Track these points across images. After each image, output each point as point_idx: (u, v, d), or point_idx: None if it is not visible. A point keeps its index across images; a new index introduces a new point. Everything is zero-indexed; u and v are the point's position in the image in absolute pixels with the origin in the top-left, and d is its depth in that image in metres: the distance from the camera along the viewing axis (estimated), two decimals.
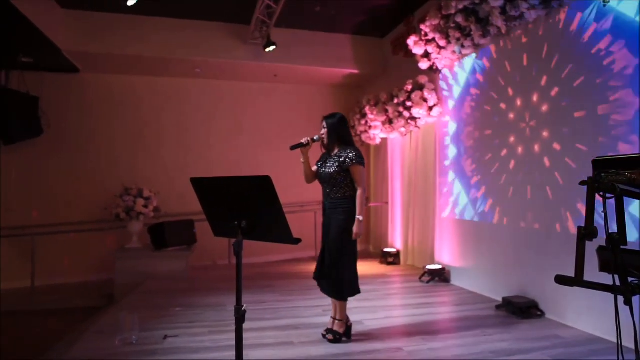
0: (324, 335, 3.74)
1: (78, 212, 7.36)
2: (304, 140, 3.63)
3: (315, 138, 3.69)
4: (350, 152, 3.58)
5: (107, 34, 6.59)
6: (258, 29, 6.76)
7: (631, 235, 2.96)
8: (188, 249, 6.83)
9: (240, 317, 2.10)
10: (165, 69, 7.67)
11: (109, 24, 6.59)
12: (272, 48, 6.78)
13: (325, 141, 3.70)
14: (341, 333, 3.67)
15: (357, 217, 3.52)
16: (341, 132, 3.70)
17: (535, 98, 4.47)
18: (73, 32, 6.38)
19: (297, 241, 2.03)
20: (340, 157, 3.59)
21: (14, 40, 5.98)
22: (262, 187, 1.92)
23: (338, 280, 3.59)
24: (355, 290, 3.68)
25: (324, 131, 3.71)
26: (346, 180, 3.58)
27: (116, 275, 6.35)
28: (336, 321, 3.69)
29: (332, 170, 3.59)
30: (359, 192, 3.57)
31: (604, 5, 3.58)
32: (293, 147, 3.66)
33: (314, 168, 3.80)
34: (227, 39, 7.12)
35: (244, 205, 2.07)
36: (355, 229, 3.51)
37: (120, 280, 6.23)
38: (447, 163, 6.07)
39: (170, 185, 7.67)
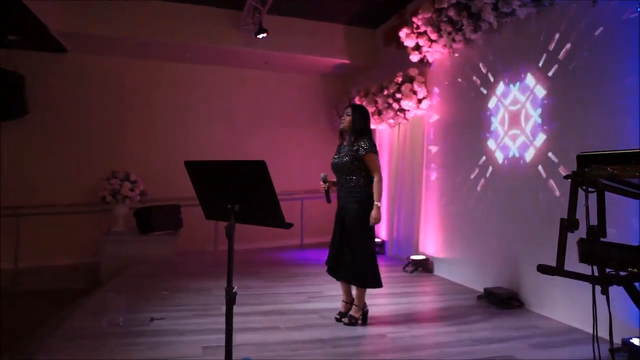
0: (337, 319, 3.85)
1: (63, 194, 7.28)
2: (325, 187, 3.76)
3: (323, 176, 3.78)
4: (364, 142, 3.67)
5: (98, 14, 6.48)
6: (250, 15, 6.71)
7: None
8: (174, 233, 6.84)
9: (230, 298, 2.15)
10: (155, 52, 7.58)
11: (99, 4, 6.47)
12: (263, 35, 6.75)
13: (347, 125, 3.77)
14: (357, 317, 3.78)
15: (376, 203, 3.60)
16: (362, 123, 3.78)
17: (522, 92, 4.55)
18: (62, 11, 6.26)
19: (289, 225, 2.08)
20: (354, 146, 3.69)
21: (2, 18, 5.86)
22: (257, 171, 1.95)
23: (360, 268, 3.68)
24: (377, 283, 3.77)
25: (346, 118, 3.78)
26: (359, 169, 3.67)
27: (101, 258, 6.34)
28: (354, 306, 3.80)
29: (345, 159, 3.69)
30: (376, 179, 3.65)
31: (593, 5, 3.65)
32: (328, 199, 3.79)
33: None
34: (218, 24, 7.06)
35: (238, 189, 2.10)
36: (373, 214, 3.60)
37: (106, 264, 6.22)
38: (433, 155, 6.15)
39: (158, 169, 7.64)
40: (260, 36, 6.76)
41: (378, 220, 3.60)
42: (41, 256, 6.88)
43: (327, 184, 3.76)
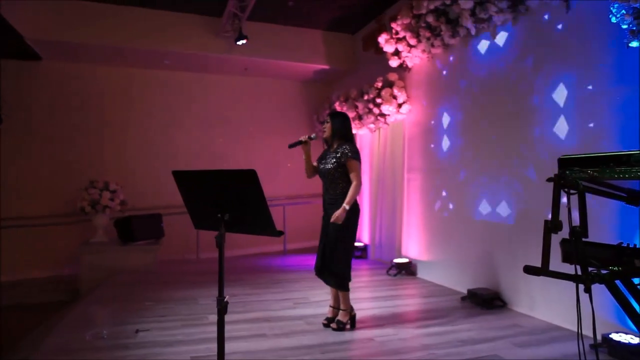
0: (325, 325, 3.87)
1: (41, 205, 7.14)
2: (302, 138, 3.79)
3: (312, 136, 3.84)
4: (346, 147, 3.71)
5: (73, 21, 6.39)
6: (230, 22, 6.71)
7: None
8: (156, 242, 6.75)
9: (222, 308, 2.14)
10: (133, 60, 7.50)
11: (75, 11, 6.39)
12: (243, 41, 6.75)
13: (327, 134, 3.83)
14: (344, 322, 3.80)
15: (344, 205, 3.60)
16: (343, 130, 3.82)
17: (503, 98, 4.65)
18: (37, 19, 6.16)
19: (280, 233, 2.09)
20: (338, 152, 3.72)
21: None
22: (248, 180, 1.96)
23: (339, 272, 3.73)
24: (346, 286, 3.82)
25: (326, 126, 3.83)
26: (343, 176, 3.70)
27: (81, 270, 6.21)
28: (341, 311, 3.83)
29: (329, 166, 3.72)
30: (354, 184, 3.68)
31: (567, 12, 3.77)
32: (291, 145, 3.83)
33: (314, 164, 3.93)
34: (198, 31, 7.03)
35: (228, 198, 2.10)
36: (337, 212, 3.59)
37: (86, 275, 6.10)
38: (414, 158, 6.23)
39: (138, 178, 7.56)
40: (240, 43, 6.76)
41: (339, 220, 3.58)
42: (18, 269, 6.72)
43: (308, 141, 3.78)
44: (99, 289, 5.41)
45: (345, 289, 3.80)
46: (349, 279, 3.81)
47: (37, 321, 4.77)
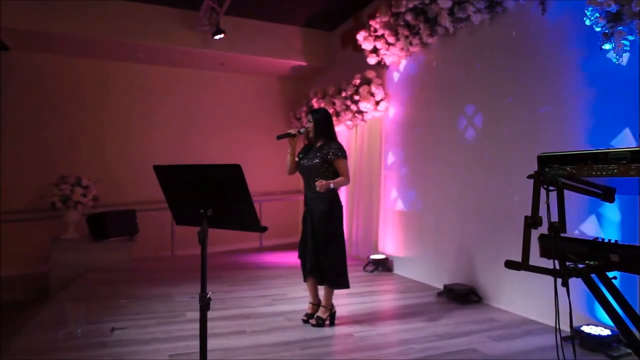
0: (304, 321, 3.86)
1: (9, 200, 6.89)
2: (292, 131, 3.76)
3: (301, 130, 3.80)
4: (335, 147, 3.73)
5: (43, 11, 6.17)
6: (207, 16, 6.62)
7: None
8: (130, 239, 6.61)
9: (205, 304, 2.12)
10: (106, 52, 7.33)
11: (45, 0, 6.18)
12: (220, 36, 6.67)
13: (311, 134, 3.80)
14: (324, 318, 3.80)
15: (332, 184, 3.59)
16: (326, 127, 3.82)
17: (479, 96, 4.73)
18: (4, 7, 5.93)
19: (264, 229, 2.07)
20: (324, 150, 3.72)
21: None
22: (232, 175, 1.94)
23: (333, 269, 3.71)
24: (346, 283, 3.80)
25: (309, 125, 3.80)
26: (328, 172, 3.70)
27: (52, 268, 6.03)
28: (322, 307, 3.83)
29: (315, 161, 3.71)
30: (344, 179, 3.71)
31: (543, 13, 3.86)
32: (280, 137, 3.78)
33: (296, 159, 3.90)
34: (174, 24, 6.91)
35: (211, 194, 2.08)
36: (324, 182, 3.57)
37: (57, 273, 5.92)
38: (391, 156, 6.28)
39: (111, 173, 7.39)
40: (217, 37, 6.67)
41: (323, 188, 3.55)
42: None
43: (297, 135, 3.75)
44: (71, 287, 5.27)
45: (344, 286, 3.77)
46: (345, 277, 3.78)
47: (7, 320, 4.61)
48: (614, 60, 3.19)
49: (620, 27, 3.08)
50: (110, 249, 6.33)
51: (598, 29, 3.25)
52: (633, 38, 3.09)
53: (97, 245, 6.32)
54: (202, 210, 2.07)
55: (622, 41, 3.12)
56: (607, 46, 3.23)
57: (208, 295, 2.13)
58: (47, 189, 6.43)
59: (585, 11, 3.27)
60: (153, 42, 6.91)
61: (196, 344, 2.20)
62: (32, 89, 7.24)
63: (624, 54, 3.16)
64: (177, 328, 3.70)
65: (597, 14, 3.20)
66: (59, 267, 5.98)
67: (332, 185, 3.60)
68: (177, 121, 8.20)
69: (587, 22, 3.31)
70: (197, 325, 2.18)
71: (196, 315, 2.16)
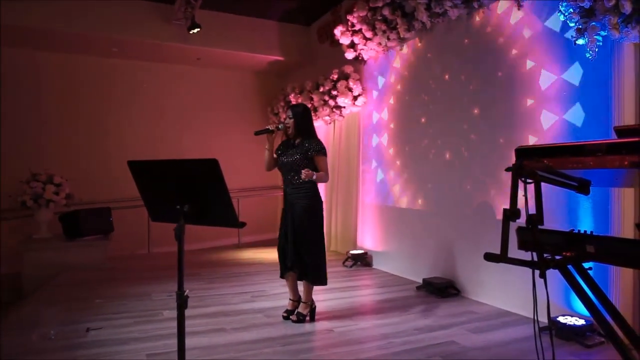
0: (285, 317, 3.84)
1: None
2: (270, 127, 3.73)
3: (280, 126, 3.76)
4: (315, 143, 3.71)
5: (12, 2, 5.96)
6: (182, 10, 6.50)
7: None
8: (105, 238, 6.48)
9: (182, 302, 2.07)
10: (77, 46, 7.13)
11: None
12: (196, 30, 6.57)
13: (290, 130, 3.76)
14: (305, 314, 3.79)
15: (314, 174, 3.57)
16: (306, 123, 3.79)
17: (457, 91, 4.77)
18: None
19: (242, 225, 2.04)
20: (304, 146, 3.69)
21: None
22: (209, 170, 1.90)
23: (314, 265, 3.70)
24: (325, 280, 3.79)
25: (289, 120, 3.76)
26: (308, 168, 3.64)
27: (23, 268, 5.86)
28: (302, 303, 3.81)
29: (295, 157, 3.68)
30: (323, 173, 3.70)
31: (519, 9, 3.90)
32: (258, 133, 3.75)
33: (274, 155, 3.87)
34: (148, 17, 6.76)
35: (188, 189, 2.03)
36: (310, 171, 3.55)
37: (29, 273, 5.75)
38: (369, 151, 6.29)
39: (85, 170, 7.23)
40: (192, 31, 6.57)
41: (308, 177, 3.54)
42: None
43: (275, 130, 3.71)
44: (45, 288, 5.13)
45: (323, 282, 3.77)
46: (324, 273, 3.78)
47: None
48: (587, 55, 3.24)
49: (594, 23, 3.13)
50: (85, 248, 6.19)
51: (572, 25, 3.30)
52: (605, 33, 3.14)
53: (71, 245, 6.17)
54: (178, 206, 2.03)
55: (595, 36, 3.17)
56: (580, 41, 3.28)
57: (185, 293, 2.09)
58: (17, 186, 6.23)
59: (560, 6, 3.31)
60: (127, 36, 6.76)
61: (175, 342, 2.16)
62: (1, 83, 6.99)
63: (596, 49, 3.22)
64: (154, 327, 3.64)
65: (571, 10, 3.25)
66: (32, 268, 5.81)
67: (314, 177, 3.59)
68: (152, 117, 8.05)
69: (562, 18, 3.36)
70: (175, 324, 2.13)
71: (174, 313, 2.11)
